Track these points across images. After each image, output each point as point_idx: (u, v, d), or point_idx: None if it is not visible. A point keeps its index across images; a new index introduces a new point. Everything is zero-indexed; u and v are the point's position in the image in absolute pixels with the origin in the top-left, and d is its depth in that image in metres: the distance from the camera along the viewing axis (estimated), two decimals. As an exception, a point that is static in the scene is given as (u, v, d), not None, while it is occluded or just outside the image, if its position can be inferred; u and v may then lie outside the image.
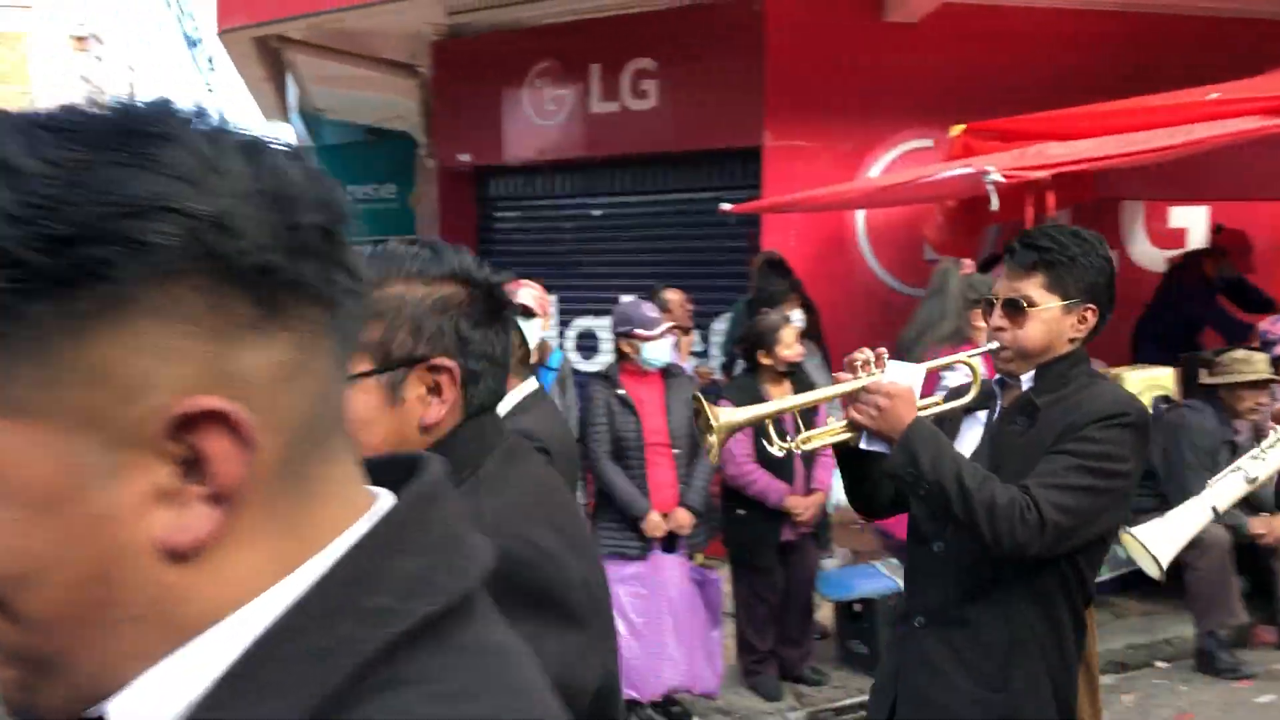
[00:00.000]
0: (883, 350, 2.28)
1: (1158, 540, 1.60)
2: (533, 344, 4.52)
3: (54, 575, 0.59)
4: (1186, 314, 6.59)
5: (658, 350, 4.54)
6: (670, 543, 4.61)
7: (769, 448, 2.39)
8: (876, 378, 2.22)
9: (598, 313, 7.86)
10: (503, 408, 3.09)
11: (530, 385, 3.11)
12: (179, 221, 0.57)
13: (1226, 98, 4.99)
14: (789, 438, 2.36)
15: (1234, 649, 5.24)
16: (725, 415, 2.32)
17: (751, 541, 4.81)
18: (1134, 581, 5.48)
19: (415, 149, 9.89)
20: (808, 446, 2.34)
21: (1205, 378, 5.36)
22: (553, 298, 6.28)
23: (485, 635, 0.69)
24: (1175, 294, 6.64)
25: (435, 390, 1.33)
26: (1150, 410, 5.41)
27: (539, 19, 7.65)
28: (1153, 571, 1.61)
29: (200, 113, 0.63)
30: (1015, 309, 2.23)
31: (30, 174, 0.56)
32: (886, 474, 2.22)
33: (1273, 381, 5.22)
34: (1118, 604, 5.72)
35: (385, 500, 0.69)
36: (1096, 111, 5.40)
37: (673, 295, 5.82)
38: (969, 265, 4.50)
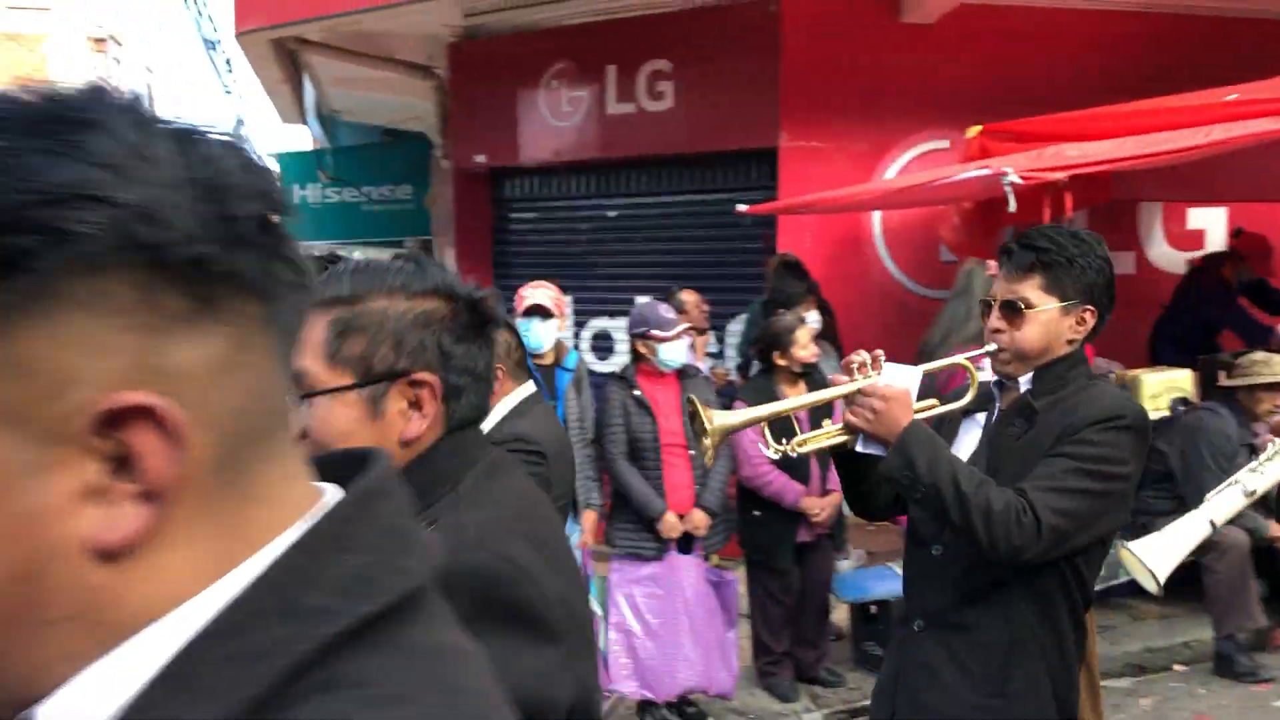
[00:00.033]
0: (879, 353, 2.26)
1: (1155, 555, 1.59)
2: (549, 345, 4.54)
3: None
4: (1205, 316, 6.56)
5: (674, 351, 4.55)
6: (686, 543, 4.62)
7: (764, 450, 2.38)
8: (873, 380, 2.21)
9: (613, 314, 7.87)
10: (500, 410, 3.15)
11: (527, 389, 3.12)
12: (103, 211, 0.55)
13: (1246, 98, 4.96)
14: (784, 441, 2.34)
15: (1252, 652, 5.21)
16: (720, 418, 2.32)
17: (768, 542, 4.81)
18: None
19: (431, 150, 9.93)
20: (803, 449, 2.32)
21: (1224, 380, 5.34)
22: (568, 299, 6.30)
23: (431, 636, 0.67)
24: (1194, 296, 6.61)
25: (416, 405, 1.34)
26: (1169, 411, 5.43)
27: (555, 21, 7.66)
28: (1150, 586, 1.60)
29: (134, 100, 0.62)
30: (1013, 311, 2.22)
31: None
32: (883, 477, 2.21)
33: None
34: (1135, 607, 5.69)
35: (331, 497, 0.67)
36: (1114, 112, 5.38)
37: (688, 296, 5.83)
38: (993, 266, 4.49)
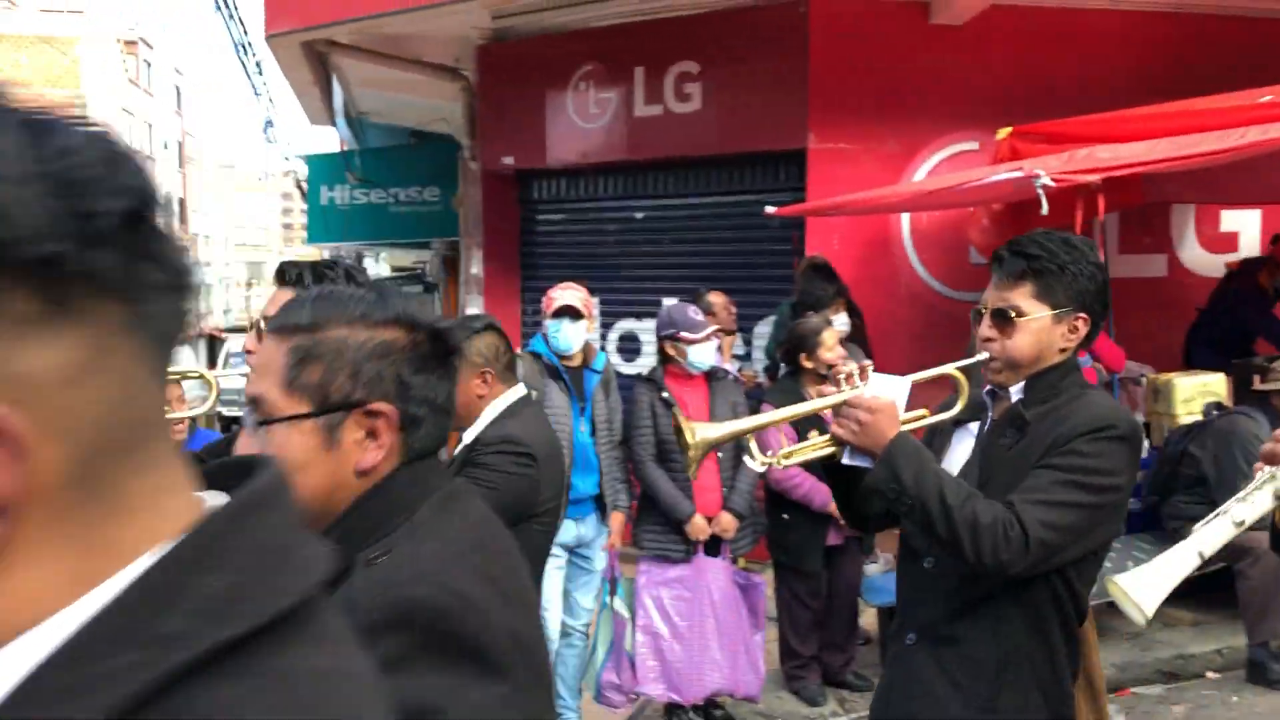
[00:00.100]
0: (868, 363, 2.23)
1: (1142, 588, 1.56)
2: (578, 346, 4.54)
3: None
4: (1241, 320, 6.50)
5: (703, 353, 4.55)
6: (714, 546, 4.61)
7: (749, 463, 2.36)
8: (859, 391, 2.18)
9: (640, 315, 7.88)
10: (490, 413, 3.16)
11: (518, 391, 3.13)
12: None
13: (1281, 100, 4.91)
14: (770, 452, 2.32)
15: (1286, 660, 5.15)
16: (702, 431, 2.29)
17: (796, 545, 4.80)
18: (1184, 591, 5.40)
19: (458, 152, 9.96)
20: (789, 462, 2.30)
21: (1258, 384, 5.29)
22: (595, 300, 6.32)
23: (307, 660, 0.63)
24: (1231, 300, 6.55)
25: (373, 435, 1.33)
26: (1201, 415, 5.38)
27: (583, 22, 7.68)
28: (1137, 619, 1.58)
29: None
30: (1004, 319, 2.18)
31: None
32: (870, 489, 2.17)
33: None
34: (1167, 613, 5.64)
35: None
36: (1146, 114, 5.35)
37: (716, 298, 5.82)
38: None
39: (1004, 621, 2.11)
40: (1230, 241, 7.25)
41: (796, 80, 6.85)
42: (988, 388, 2.29)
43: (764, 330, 7.16)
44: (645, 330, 7.84)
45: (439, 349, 1.40)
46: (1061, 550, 2.02)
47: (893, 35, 6.80)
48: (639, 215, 8.07)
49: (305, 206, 14.40)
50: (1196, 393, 5.54)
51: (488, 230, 8.62)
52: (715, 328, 4.75)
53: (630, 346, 8.02)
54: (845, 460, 2.21)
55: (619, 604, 4.63)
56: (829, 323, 4.86)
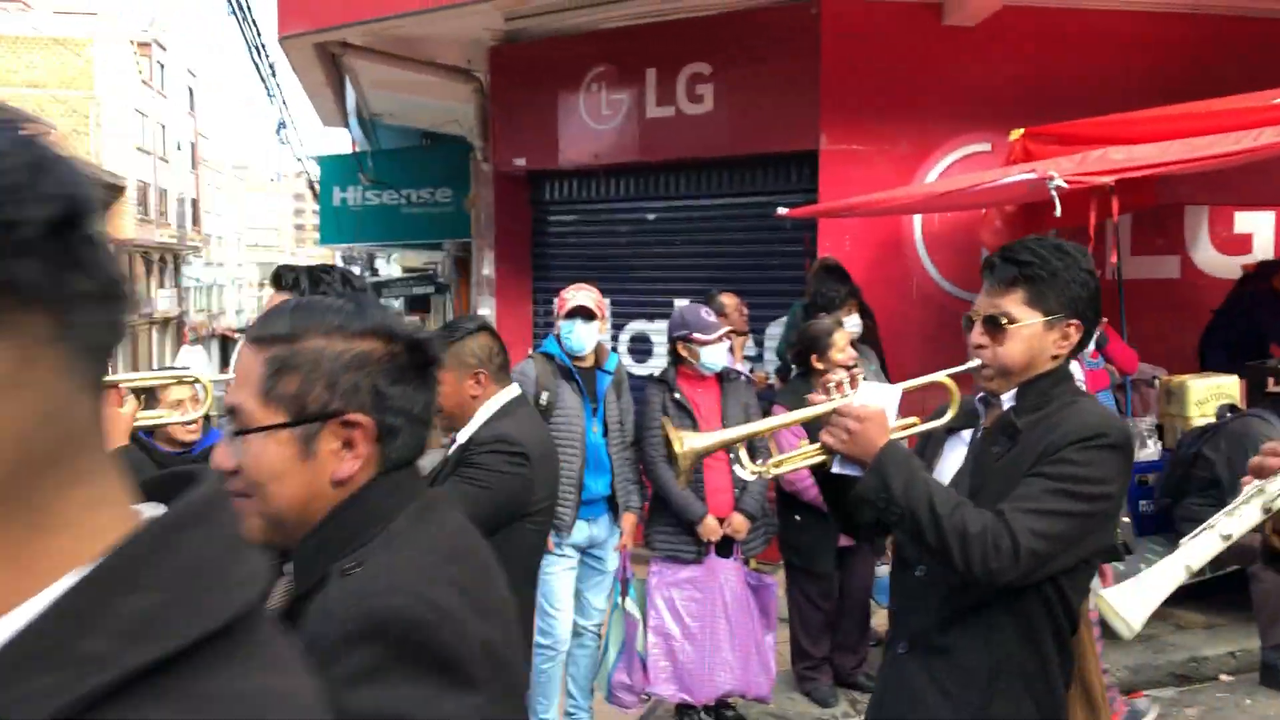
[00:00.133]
0: (858, 371, 2.25)
1: (1128, 603, 1.56)
2: (590, 347, 4.55)
3: None
4: (1256, 323, 6.47)
5: (715, 355, 4.55)
6: (726, 547, 4.62)
7: (740, 472, 2.36)
8: (848, 400, 2.17)
9: (651, 316, 7.89)
10: (484, 413, 3.19)
11: (511, 391, 3.15)
12: None
13: (1295, 101, 4.89)
14: (762, 460, 2.32)
15: (1300, 663, 5.13)
16: (690, 441, 2.28)
17: (808, 547, 4.80)
18: (1197, 593, 5.39)
19: (470, 153, 9.99)
20: (779, 470, 2.30)
21: (1272, 386, 5.28)
22: (606, 301, 6.33)
23: (238, 681, 0.61)
24: (1246, 302, 6.52)
25: (349, 445, 1.34)
26: (1215, 418, 5.37)
27: (595, 24, 7.69)
28: (1124, 633, 1.57)
29: None
30: (995, 326, 2.17)
31: None
32: (860, 498, 2.16)
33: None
34: (1180, 616, 5.62)
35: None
36: (1159, 115, 5.33)
37: (728, 299, 5.83)
38: None
39: (995, 630, 2.10)
40: (1244, 243, 7.22)
41: (808, 81, 6.85)
42: (980, 395, 2.28)
43: (775, 331, 7.16)
44: (656, 331, 7.85)
45: (417, 360, 1.41)
46: (1052, 559, 2.01)
47: (905, 36, 6.79)
48: (651, 216, 8.08)
49: (317, 207, 14.44)
50: (1210, 395, 5.52)
51: (500, 231, 8.64)
52: (727, 329, 4.75)
53: (641, 348, 8.03)
54: (835, 469, 2.20)
55: (631, 604, 4.65)
56: (840, 324, 4.86)
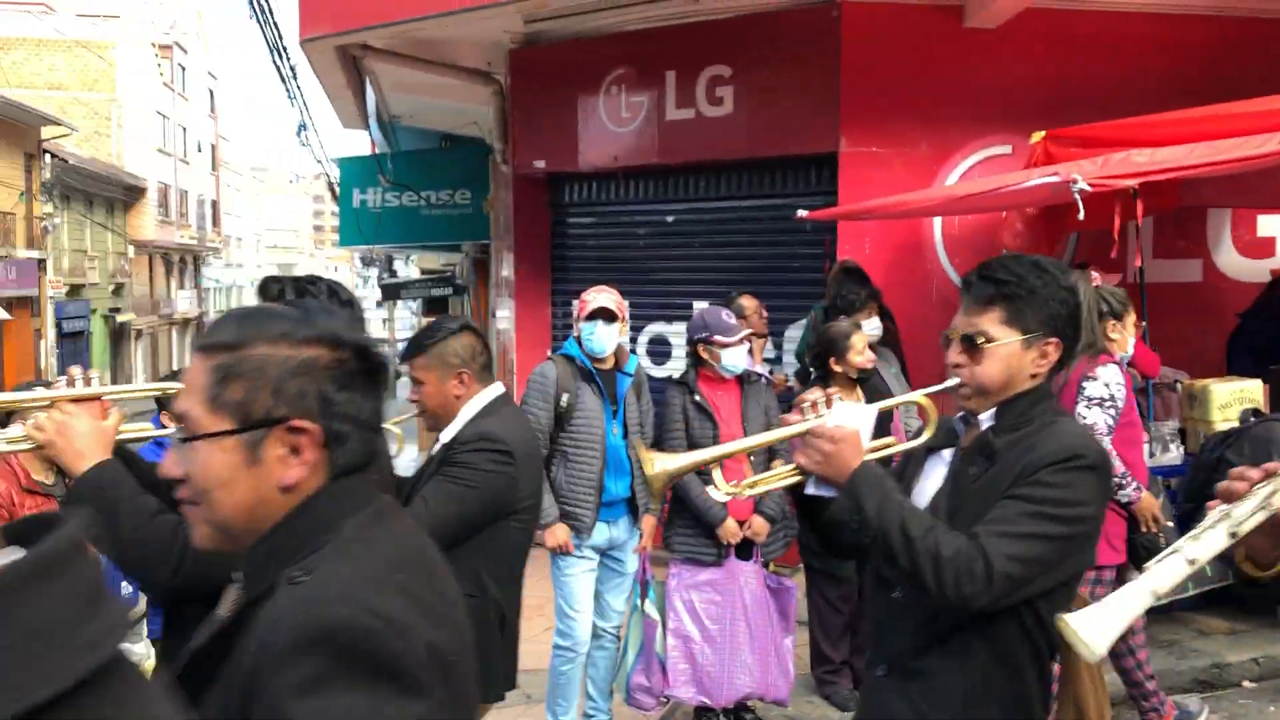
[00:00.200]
0: (833, 391, 2.21)
1: (1092, 628, 1.54)
2: (611, 348, 4.56)
3: None
4: None
5: (736, 357, 4.55)
6: (745, 549, 4.62)
7: (713, 493, 2.36)
8: (822, 421, 2.14)
9: (670, 319, 7.90)
10: (468, 412, 3.20)
11: (495, 389, 3.16)
12: None
13: (1320, 103, 4.86)
14: (735, 482, 2.30)
15: (1325, 670, 5.10)
16: (660, 463, 2.27)
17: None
18: (1220, 599, 5.36)
19: (489, 155, 10.02)
20: (754, 491, 2.29)
21: (1296, 390, 5.23)
22: (625, 303, 6.33)
23: None
24: (1275, 306, 6.47)
25: (296, 451, 1.34)
26: (1238, 422, 5.33)
27: (615, 27, 7.70)
28: (1089, 658, 1.56)
29: None
30: (972, 345, 2.14)
31: None
32: (835, 520, 2.14)
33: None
34: (1202, 622, 5.59)
35: None
36: (1181, 118, 5.30)
37: (748, 302, 5.82)
38: (1096, 276, 4.47)
39: (972, 654, 2.06)
40: (1267, 246, 7.17)
41: (828, 84, 6.84)
42: (960, 414, 2.25)
43: (795, 334, 7.16)
44: (675, 333, 7.85)
45: (365, 366, 1.40)
46: (1028, 583, 1.98)
47: (925, 38, 6.77)
48: (670, 219, 8.08)
49: (336, 209, 14.50)
50: (1233, 399, 5.48)
51: (519, 233, 8.66)
52: (748, 331, 4.75)
53: (660, 350, 8.03)
54: (809, 490, 2.19)
55: (650, 607, 4.65)
56: (858, 327, 4.85)
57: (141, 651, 4.77)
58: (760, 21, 7.14)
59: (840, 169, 6.87)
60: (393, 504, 1.47)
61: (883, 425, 4.18)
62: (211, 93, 50.11)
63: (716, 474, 2.33)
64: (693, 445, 4.52)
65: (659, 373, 7.61)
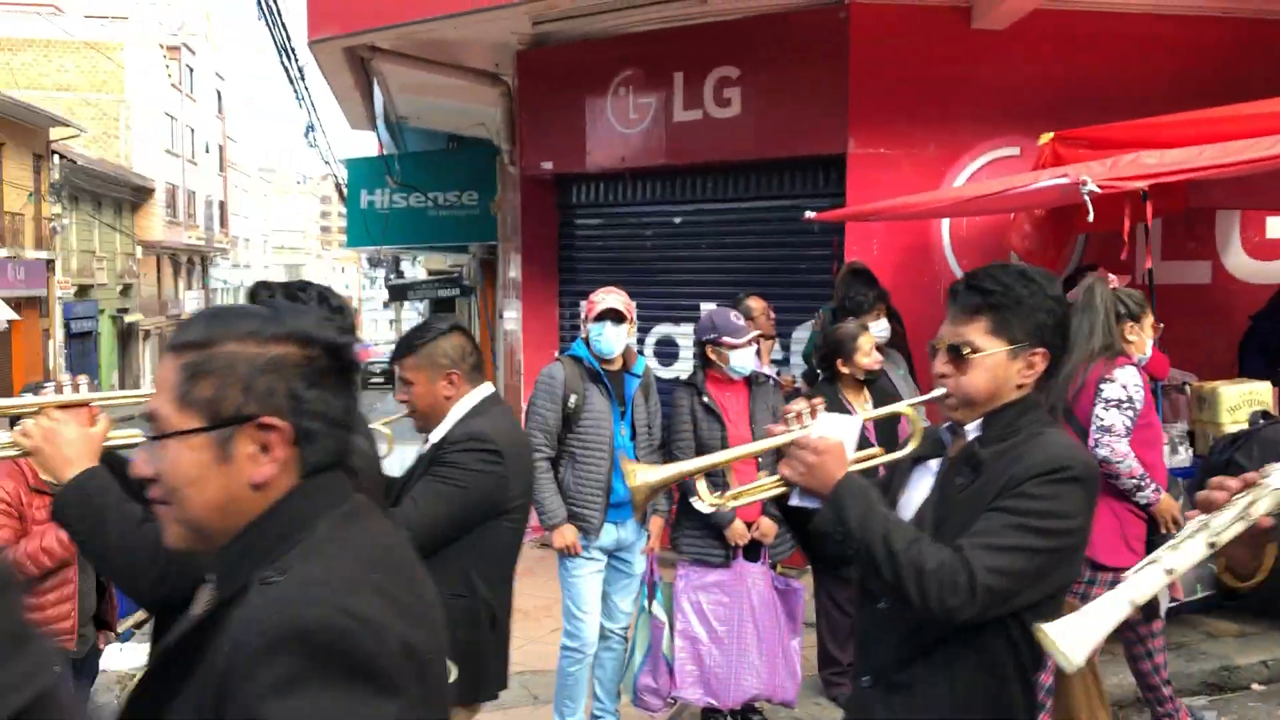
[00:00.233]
0: (818, 402, 2.20)
1: (1070, 639, 1.54)
2: (619, 350, 4.56)
3: None
4: None
5: (744, 358, 4.55)
6: (753, 551, 4.61)
7: (697, 504, 2.35)
8: (806, 432, 2.13)
9: (677, 320, 7.90)
10: (457, 412, 3.19)
11: (484, 390, 3.17)
12: None
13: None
14: (719, 494, 2.30)
15: (1334, 673, 5.08)
16: (642, 475, 2.27)
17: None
18: (1229, 602, 5.34)
19: (496, 156, 10.03)
20: (737, 502, 2.28)
21: (1306, 392, 5.22)
22: (633, 304, 6.34)
23: None
24: None
25: (266, 449, 1.34)
26: (1248, 424, 5.32)
27: (623, 28, 7.70)
28: (1066, 667, 1.56)
29: None
30: (958, 355, 2.12)
31: None
32: (818, 531, 2.12)
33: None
34: (1211, 624, 5.58)
35: None
36: (1189, 119, 5.29)
37: (755, 303, 5.82)
38: (1114, 279, 4.46)
39: (956, 667, 2.05)
40: (1277, 248, 7.15)
41: (836, 85, 6.83)
42: (947, 424, 2.24)
43: (802, 335, 7.15)
44: (682, 335, 7.85)
45: (336, 364, 1.40)
46: (1013, 596, 1.96)
47: (934, 40, 6.77)
48: (677, 220, 8.08)
49: (343, 210, 14.52)
50: (1242, 401, 5.47)
51: (526, 234, 8.67)
52: (756, 333, 4.75)
53: (667, 351, 8.03)
54: (794, 501, 2.18)
55: (658, 608, 4.65)
56: (865, 328, 4.85)
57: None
58: (768, 23, 7.14)
59: (848, 170, 6.86)
60: (367, 502, 1.47)
61: (891, 428, 4.18)
62: (219, 94, 50.23)
63: (700, 485, 2.31)
64: (701, 446, 4.53)
65: (666, 374, 7.60)
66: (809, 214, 6.32)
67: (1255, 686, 5.18)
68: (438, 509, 2.94)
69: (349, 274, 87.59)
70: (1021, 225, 6.43)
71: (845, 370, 4.66)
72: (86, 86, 36.02)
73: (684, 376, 4.86)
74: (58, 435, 2.10)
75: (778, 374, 5.90)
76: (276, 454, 1.35)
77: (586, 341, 4.58)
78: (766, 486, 2.23)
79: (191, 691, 1.28)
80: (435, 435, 3.11)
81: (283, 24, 11.46)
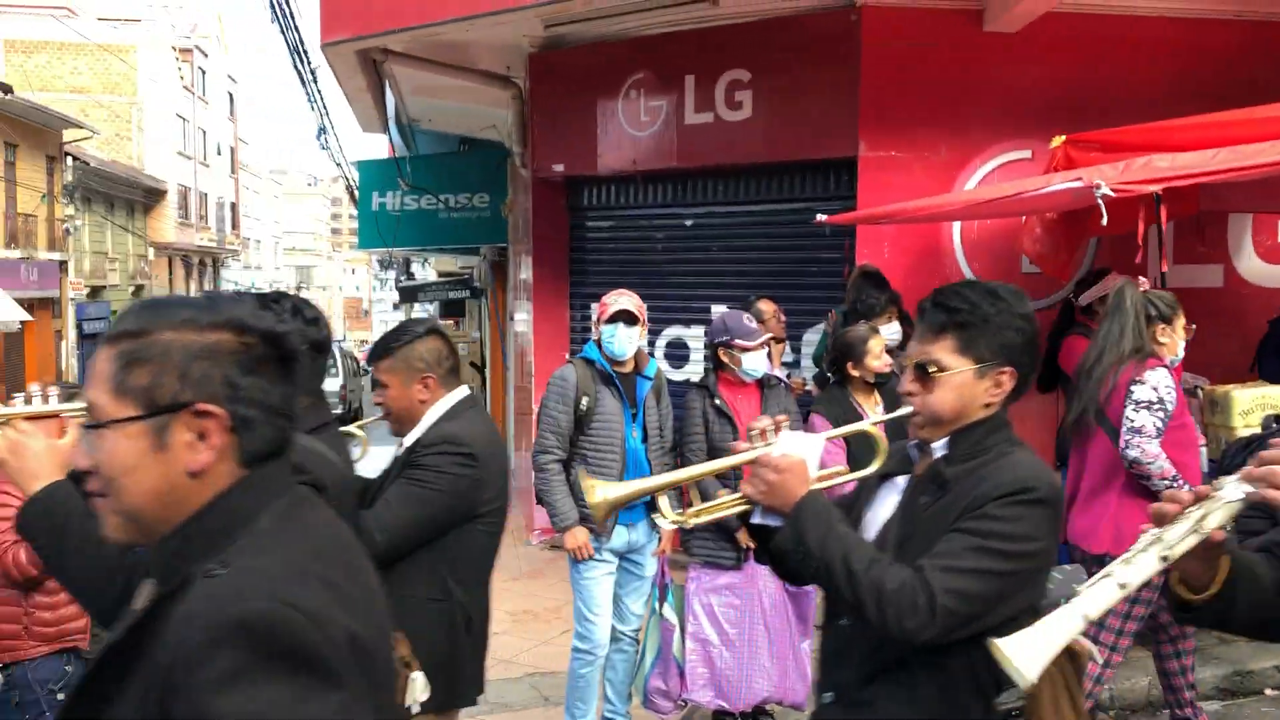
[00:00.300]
0: (782, 418, 2.19)
1: (1024, 654, 1.53)
2: (631, 351, 4.57)
3: None
4: None
5: (756, 361, 4.56)
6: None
7: (660, 522, 2.35)
8: (768, 450, 2.12)
9: (688, 322, 7.91)
10: (432, 415, 3.10)
11: (460, 393, 3.16)
12: None
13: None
14: (680, 511, 2.29)
15: (1347, 678, 5.06)
16: (602, 491, 2.26)
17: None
18: (1182, 615, 5.31)
19: (508, 158, 10.05)
20: (699, 520, 2.27)
21: (1319, 397, 5.20)
22: (644, 306, 6.34)
23: None
24: None
25: (203, 436, 1.33)
26: (1260, 428, 5.30)
27: (634, 31, 7.72)
28: (1020, 682, 1.55)
29: None
30: (924, 374, 2.11)
31: None
32: (779, 549, 2.11)
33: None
34: (1223, 628, 5.55)
35: None
36: (1201, 123, 5.28)
37: (766, 306, 5.82)
38: (1144, 282, 4.47)
39: (917, 687, 2.04)
40: (1289, 252, 7.13)
41: (848, 88, 6.84)
42: (914, 441, 2.22)
43: (812, 338, 7.16)
44: (693, 337, 7.86)
45: (274, 353, 1.40)
46: (974, 619, 1.94)
47: (945, 43, 6.77)
48: (688, 222, 8.09)
49: (354, 212, 14.55)
50: (1255, 405, 5.45)
51: (537, 236, 8.69)
52: (768, 336, 4.75)
53: (678, 353, 8.04)
54: (756, 519, 2.17)
55: (668, 610, 4.65)
56: (875, 331, 4.84)
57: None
58: (780, 26, 7.15)
59: (859, 173, 6.87)
60: (309, 493, 1.46)
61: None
62: (231, 96, 50.40)
63: (663, 501, 2.31)
64: (713, 449, 4.53)
65: (677, 376, 7.62)
66: (820, 217, 6.33)
67: (1268, 691, 5.17)
68: (410, 512, 2.94)
69: (360, 276, 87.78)
70: (1033, 228, 6.42)
71: (856, 373, 4.66)
72: (99, 88, 36.17)
73: (695, 379, 4.86)
74: (24, 448, 2.05)
75: (788, 376, 5.91)
76: (214, 441, 1.34)
77: (598, 343, 4.59)
78: (729, 504, 2.21)
79: (134, 688, 1.27)
80: (409, 438, 3.10)
81: (295, 27, 11.50)
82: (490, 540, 3.15)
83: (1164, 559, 1.60)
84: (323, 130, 13.90)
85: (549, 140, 8.41)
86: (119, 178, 33.98)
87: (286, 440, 1.43)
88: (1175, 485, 4.02)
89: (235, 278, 52.19)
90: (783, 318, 6.01)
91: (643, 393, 4.67)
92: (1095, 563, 4.02)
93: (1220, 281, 7.07)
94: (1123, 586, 1.57)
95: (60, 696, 3.51)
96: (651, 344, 7.92)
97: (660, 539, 4.71)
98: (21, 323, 23.13)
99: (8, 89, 24.18)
